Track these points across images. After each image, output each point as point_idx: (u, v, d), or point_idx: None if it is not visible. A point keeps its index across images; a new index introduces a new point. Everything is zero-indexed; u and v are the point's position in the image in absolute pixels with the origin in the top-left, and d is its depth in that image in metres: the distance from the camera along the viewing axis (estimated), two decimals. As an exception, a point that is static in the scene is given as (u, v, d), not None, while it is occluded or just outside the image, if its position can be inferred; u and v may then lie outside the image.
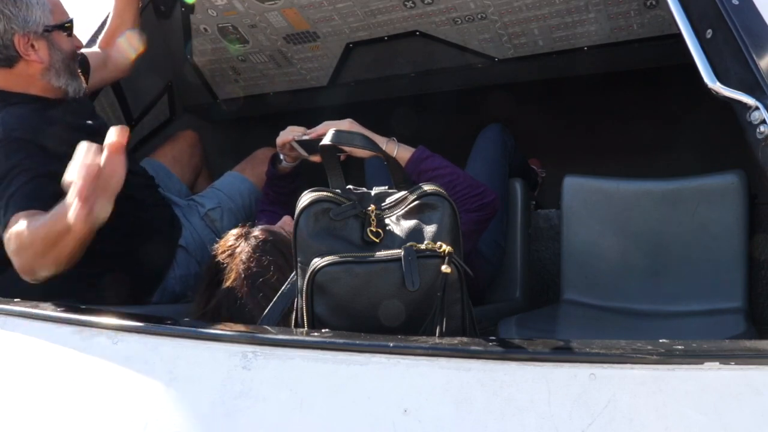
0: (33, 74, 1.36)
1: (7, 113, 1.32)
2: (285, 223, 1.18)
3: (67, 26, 1.42)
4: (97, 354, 0.81)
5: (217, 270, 1.06)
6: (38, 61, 1.36)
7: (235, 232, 1.10)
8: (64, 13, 1.45)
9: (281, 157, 1.49)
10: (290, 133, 1.40)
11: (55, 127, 1.34)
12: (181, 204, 1.77)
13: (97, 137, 1.03)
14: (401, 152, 1.34)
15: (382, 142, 1.32)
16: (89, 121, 1.51)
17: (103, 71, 1.75)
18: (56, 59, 1.39)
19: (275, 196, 1.55)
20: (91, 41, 1.85)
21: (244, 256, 1.04)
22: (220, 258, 1.07)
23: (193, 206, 1.77)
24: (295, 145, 1.41)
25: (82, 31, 1.83)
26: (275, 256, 1.02)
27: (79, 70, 1.51)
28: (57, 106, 1.42)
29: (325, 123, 1.35)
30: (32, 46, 1.34)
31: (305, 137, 1.38)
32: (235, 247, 1.06)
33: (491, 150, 1.73)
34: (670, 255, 1.48)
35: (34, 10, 1.33)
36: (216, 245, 1.10)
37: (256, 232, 1.09)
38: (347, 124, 1.32)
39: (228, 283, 1.03)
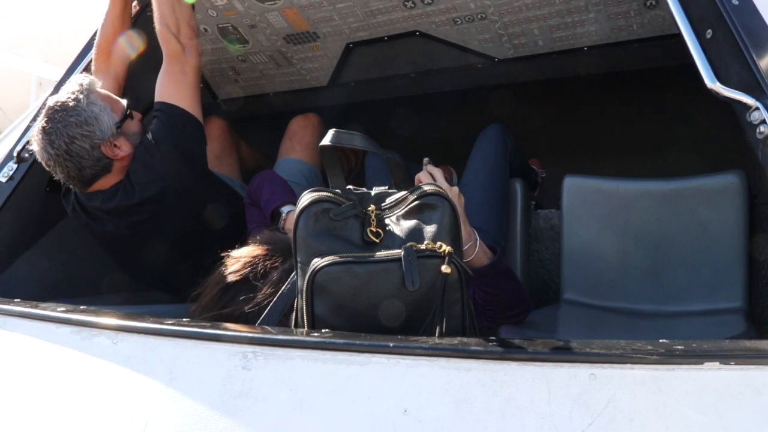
0: (126, 165, 1.50)
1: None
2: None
3: (128, 113, 1.52)
4: (97, 354, 0.81)
5: (239, 276, 0.99)
6: (126, 154, 1.49)
7: (264, 246, 1.02)
8: (118, 101, 1.53)
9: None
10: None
11: None
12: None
13: None
14: (480, 252, 1.20)
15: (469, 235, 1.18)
16: None
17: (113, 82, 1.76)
18: (135, 141, 1.51)
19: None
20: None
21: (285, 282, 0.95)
22: (243, 267, 0.99)
23: None
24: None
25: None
26: None
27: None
28: None
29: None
30: (115, 146, 1.46)
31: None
32: (272, 266, 0.98)
33: (491, 150, 1.72)
34: (670, 255, 1.48)
35: (102, 119, 1.44)
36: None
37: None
38: (439, 174, 1.23)
39: (262, 300, 0.95)
